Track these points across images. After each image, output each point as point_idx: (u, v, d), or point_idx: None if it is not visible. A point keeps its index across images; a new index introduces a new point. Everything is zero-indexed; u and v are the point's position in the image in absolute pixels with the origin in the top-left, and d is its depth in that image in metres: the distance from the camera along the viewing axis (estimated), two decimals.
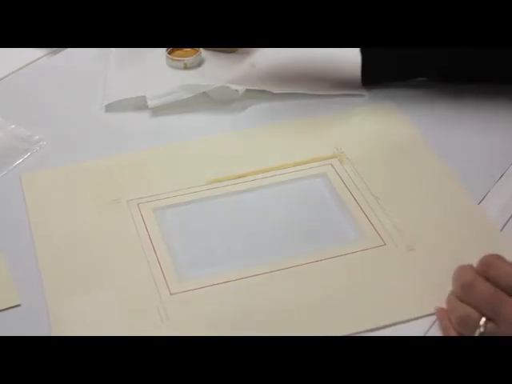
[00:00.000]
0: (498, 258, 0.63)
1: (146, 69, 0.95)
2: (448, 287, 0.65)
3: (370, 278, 0.69)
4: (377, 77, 0.89)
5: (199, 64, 0.96)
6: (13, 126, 0.87)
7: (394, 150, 0.82)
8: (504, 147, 0.83)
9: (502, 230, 0.74)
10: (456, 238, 0.73)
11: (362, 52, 0.89)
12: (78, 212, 0.76)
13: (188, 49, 0.96)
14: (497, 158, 0.81)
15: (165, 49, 0.96)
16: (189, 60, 0.95)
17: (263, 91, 0.90)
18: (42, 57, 0.99)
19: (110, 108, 0.90)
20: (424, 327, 0.65)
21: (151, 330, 0.65)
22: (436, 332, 0.65)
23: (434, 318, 0.66)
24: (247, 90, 0.90)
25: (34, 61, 0.98)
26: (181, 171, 0.81)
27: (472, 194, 0.77)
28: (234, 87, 0.89)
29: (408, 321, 0.66)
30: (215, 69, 0.95)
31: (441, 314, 0.65)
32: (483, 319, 0.61)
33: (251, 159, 0.82)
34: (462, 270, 0.64)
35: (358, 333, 0.65)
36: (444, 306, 0.65)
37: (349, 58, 0.95)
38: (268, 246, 0.73)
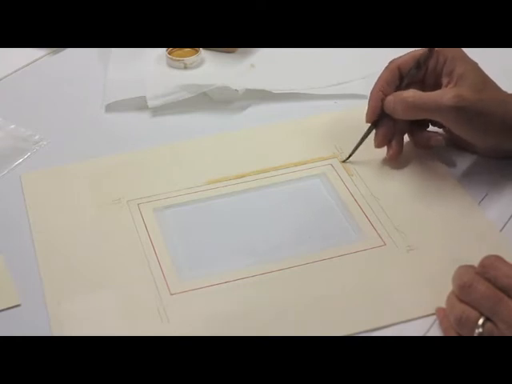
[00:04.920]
0: (498, 259, 0.63)
1: (146, 69, 0.95)
2: (448, 287, 0.65)
3: (369, 278, 0.69)
4: None
5: (199, 64, 0.96)
6: (13, 126, 0.87)
7: None
8: None
9: (501, 229, 0.74)
10: (456, 238, 0.73)
11: None
12: (78, 212, 0.76)
13: (188, 49, 0.96)
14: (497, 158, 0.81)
15: (165, 49, 0.96)
16: (189, 60, 0.95)
17: (263, 91, 0.90)
18: (42, 57, 0.99)
19: (109, 108, 0.90)
20: (424, 327, 0.65)
21: (151, 330, 0.65)
22: (436, 332, 0.65)
23: (434, 317, 0.66)
24: (247, 90, 0.90)
25: (34, 61, 0.98)
26: (181, 171, 0.81)
27: (472, 194, 0.77)
28: (234, 87, 0.89)
29: (408, 321, 0.66)
30: (215, 69, 0.95)
31: (441, 314, 0.65)
32: (482, 319, 0.61)
33: (251, 159, 0.82)
34: (462, 270, 0.64)
35: (358, 333, 0.65)
36: (444, 306, 0.65)
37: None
38: (268, 246, 0.73)
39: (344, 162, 0.80)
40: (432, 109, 0.74)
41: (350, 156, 0.80)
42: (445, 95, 0.74)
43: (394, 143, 0.79)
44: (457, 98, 0.73)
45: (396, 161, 0.79)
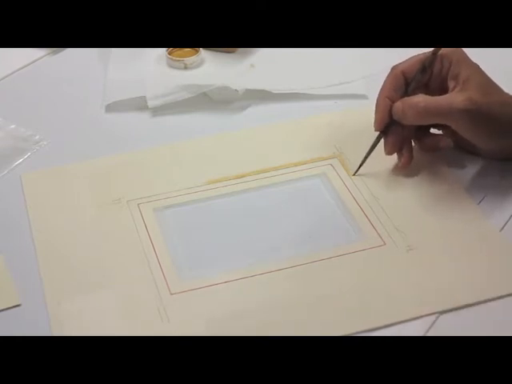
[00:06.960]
0: None
1: (146, 69, 0.95)
2: (448, 287, 0.65)
3: (369, 278, 0.69)
4: None
5: (199, 64, 0.96)
6: (13, 126, 0.87)
7: None
8: None
9: (501, 229, 0.74)
10: (456, 238, 0.72)
11: None
12: (78, 212, 0.76)
13: (188, 49, 0.96)
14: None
15: (165, 49, 0.96)
16: (189, 60, 0.95)
17: (263, 91, 0.90)
18: (42, 57, 0.99)
19: (109, 108, 0.90)
20: (424, 327, 0.65)
21: (151, 329, 0.65)
22: (436, 332, 0.65)
23: (434, 317, 0.66)
24: (247, 90, 0.90)
25: (34, 61, 0.98)
26: (181, 171, 0.81)
27: (472, 194, 0.77)
28: (234, 87, 0.89)
29: (408, 321, 0.66)
30: (215, 69, 0.95)
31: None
32: None
33: (251, 159, 0.82)
34: None
35: (358, 333, 0.65)
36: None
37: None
38: (268, 246, 0.73)
39: (354, 174, 0.79)
40: (444, 113, 0.74)
41: (359, 167, 0.79)
42: (455, 99, 0.73)
43: (404, 151, 0.78)
44: (468, 101, 0.73)
45: (396, 161, 0.79)
